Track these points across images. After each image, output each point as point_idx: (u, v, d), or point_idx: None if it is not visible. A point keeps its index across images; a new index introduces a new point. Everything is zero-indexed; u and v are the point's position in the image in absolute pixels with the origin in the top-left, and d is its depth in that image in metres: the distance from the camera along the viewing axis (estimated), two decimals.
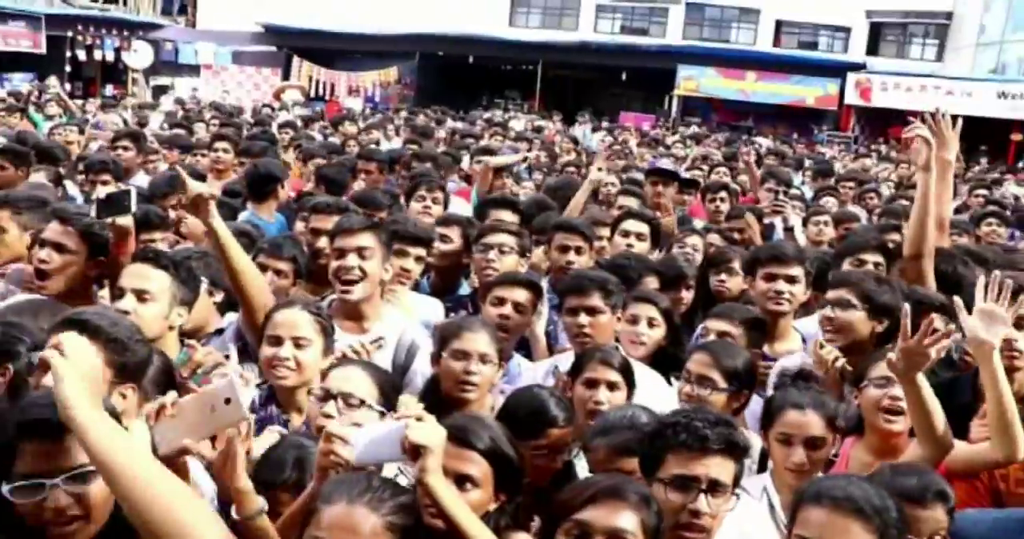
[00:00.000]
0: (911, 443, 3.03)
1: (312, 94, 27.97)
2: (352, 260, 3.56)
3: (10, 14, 24.82)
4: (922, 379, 2.82)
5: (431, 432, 2.05)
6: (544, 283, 4.37)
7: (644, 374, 3.51)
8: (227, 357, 3.19)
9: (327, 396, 2.74)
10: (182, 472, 2.06)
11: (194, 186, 3.27)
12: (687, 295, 4.68)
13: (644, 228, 5.14)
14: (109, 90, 28.50)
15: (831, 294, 3.78)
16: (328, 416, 2.66)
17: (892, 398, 3.05)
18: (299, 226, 5.09)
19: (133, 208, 3.21)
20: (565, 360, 3.62)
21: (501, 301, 3.86)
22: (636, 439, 2.63)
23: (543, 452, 2.85)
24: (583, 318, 3.68)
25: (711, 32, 32.87)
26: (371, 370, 2.90)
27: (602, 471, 2.68)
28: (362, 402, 2.72)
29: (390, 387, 2.88)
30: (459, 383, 3.14)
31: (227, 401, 2.09)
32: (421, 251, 4.28)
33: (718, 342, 3.65)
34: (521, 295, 3.87)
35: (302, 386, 3.05)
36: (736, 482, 2.42)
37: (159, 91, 28.37)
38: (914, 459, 2.89)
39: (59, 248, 3.49)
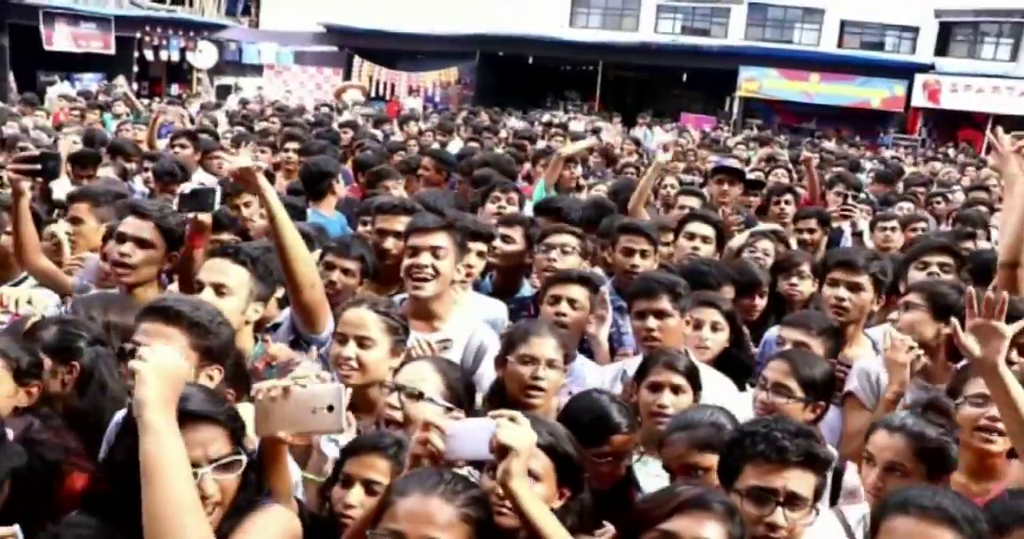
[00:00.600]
0: (1013, 466, 2.90)
1: (372, 94, 28.16)
2: (425, 258, 3.59)
3: (82, 16, 25.36)
4: (1006, 370, 2.67)
5: (521, 434, 2.05)
6: (607, 285, 4.33)
7: (712, 378, 3.47)
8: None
9: (393, 389, 2.79)
10: (279, 456, 2.13)
11: (239, 159, 3.28)
12: (761, 302, 4.60)
13: (710, 231, 5.06)
14: (174, 89, 29.00)
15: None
16: (393, 407, 2.72)
17: (990, 418, 2.90)
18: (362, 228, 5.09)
19: (216, 206, 3.22)
20: (633, 365, 3.57)
21: (556, 299, 3.87)
22: (716, 435, 2.61)
23: (606, 458, 2.83)
24: (651, 321, 3.65)
25: (773, 32, 32.42)
26: (441, 366, 2.92)
27: (678, 466, 2.67)
28: (423, 394, 2.75)
29: (459, 384, 2.90)
30: (526, 388, 3.13)
31: (330, 408, 2.11)
32: (482, 246, 4.30)
33: (796, 351, 3.57)
34: (576, 292, 3.87)
35: (368, 386, 3.06)
36: (817, 496, 2.34)
37: (223, 91, 28.79)
38: None
39: (140, 242, 3.53)
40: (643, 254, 4.49)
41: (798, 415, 3.11)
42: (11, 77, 22.73)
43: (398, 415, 2.79)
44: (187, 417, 2.00)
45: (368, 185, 6.70)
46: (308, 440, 2.65)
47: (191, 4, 29.85)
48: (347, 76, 29.58)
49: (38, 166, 3.44)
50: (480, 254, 4.28)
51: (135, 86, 26.65)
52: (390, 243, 4.17)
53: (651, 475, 2.97)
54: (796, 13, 32.19)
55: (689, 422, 2.76)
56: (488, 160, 7.09)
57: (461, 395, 2.88)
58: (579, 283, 3.91)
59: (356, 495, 2.39)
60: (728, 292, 4.33)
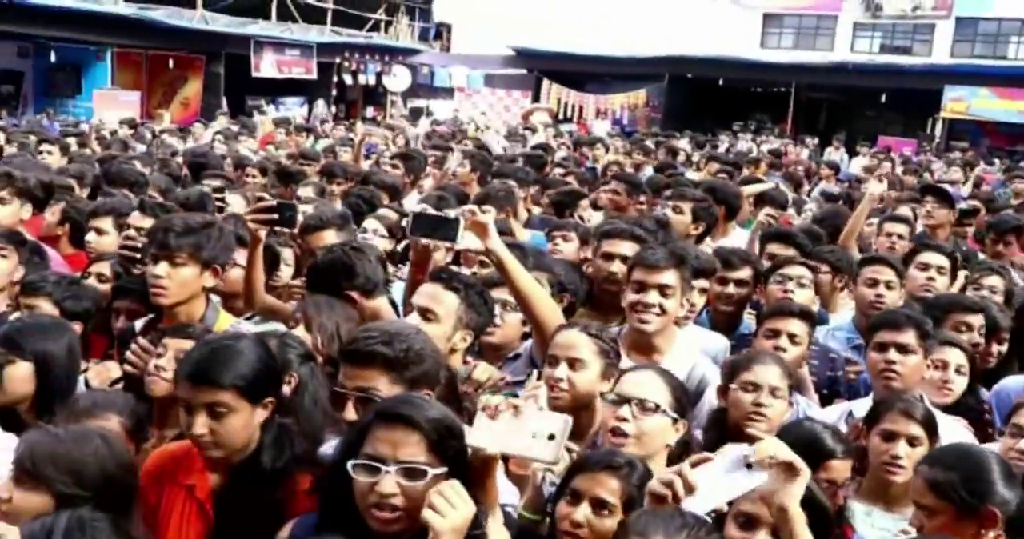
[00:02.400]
0: None
1: (560, 116, 28.36)
2: (653, 297, 3.51)
3: (287, 44, 26.73)
4: None
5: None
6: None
7: (947, 424, 3.23)
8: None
9: (621, 400, 2.74)
10: (488, 473, 2.09)
11: (484, 216, 3.21)
12: (999, 349, 4.23)
13: (944, 261, 4.79)
14: (369, 112, 30.15)
15: None
16: (623, 419, 2.69)
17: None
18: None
19: (459, 239, 3.15)
20: (860, 407, 3.41)
21: (775, 333, 3.72)
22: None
23: (822, 485, 2.69)
24: (893, 355, 3.46)
25: (984, 48, 30.49)
26: (665, 376, 2.86)
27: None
28: (657, 407, 2.72)
29: (683, 394, 2.85)
30: (748, 416, 3.06)
31: (550, 437, 2.03)
32: (704, 283, 4.18)
33: None
34: (796, 326, 3.72)
35: (578, 409, 2.98)
36: None
37: (415, 113, 29.69)
38: None
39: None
40: (888, 285, 4.32)
41: None
42: (224, 102, 24.18)
43: (629, 427, 2.72)
44: (387, 417, 2.03)
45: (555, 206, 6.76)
46: (527, 472, 2.57)
47: (387, 30, 30.94)
48: (536, 98, 29.94)
49: (275, 215, 3.49)
50: (703, 291, 4.16)
51: (333, 109, 27.89)
52: (616, 267, 4.11)
53: (875, 528, 2.85)
54: (1012, 26, 30.09)
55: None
56: (715, 187, 6.86)
57: (686, 407, 2.85)
58: (800, 318, 3.77)
59: (584, 512, 2.34)
60: None
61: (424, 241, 3.26)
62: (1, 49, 22.21)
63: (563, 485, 2.44)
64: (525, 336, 3.75)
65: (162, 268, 3.22)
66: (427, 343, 2.64)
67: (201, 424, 2.35)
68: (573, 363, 2.99)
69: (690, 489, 2.07)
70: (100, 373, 3.27)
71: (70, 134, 12.11)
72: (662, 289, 3.51)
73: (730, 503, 2.21)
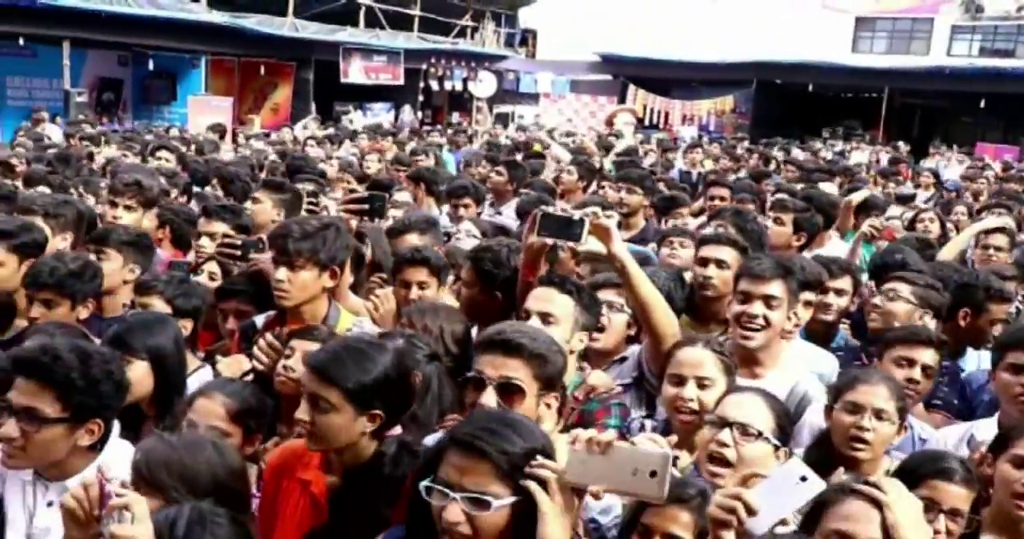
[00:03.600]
0: None
1: (647, 122, 28.14)
2: (758, 308, 3.41)
3: (375, 50, 27.07)
4: None
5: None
6: None
7: None
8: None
9: (722, 423, 2.65)
10: (568, 509, 2.00)
11: (607, 221, 3.21)
12: None
13: None
14: (455, 118, 30.34)
15: None
16: (723, 445, 2.60)
17: None
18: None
19: (584, 239, 3.09)
20: (985, 428, 3.24)
21: (909, 362, 3.52)
22: None
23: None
24: None
25: None
26: (769, 400, 2.75)
27: None
28: (759, 433, 2.62)
29: (786, 420, 2.74)
30: (850, 439, 2.90)
31: (652, 474, 1.93)
32: (810, 296, 4.04)
33: None
34: (930, 357, 3.52)
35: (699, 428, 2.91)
36: None
37: (501, 119, 29.77)
38: None
39: (463, 283, 3.68)
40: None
41: None
42: (312, 108, 24.60)
43: (730, 454, 2.61)
44: (460, 444, 1.97)
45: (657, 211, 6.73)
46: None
47: (473, 36, 31.12)
48: (622, 103, 29.75)
49: (366, 206, 3.69)
50: (808, 304, 4.00)
51: (419, 114, 28.14)
52: (711, 271, 4.01)
53: None
54: None
55: None
56: (812, 196, 6.66)
57: (789, 434, 2.75)
58: (935, 348, 3.57)
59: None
60: None
61: (550, 241, 3.20)
62: (102, 58, 22.96)
63: (632, 520, 2.34)
64: (629, 339, 3.73)
65: (283, 273, 3.33)
66: (560, 345, 2.69)
67: (304, 411, 2.42)
68: (702, 382, 2.94)
69: (752, 511, 2.01)
70: (231, 365, 3.36)
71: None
72: (768, 300, 3.42)
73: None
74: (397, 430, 2.57)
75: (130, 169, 5.98)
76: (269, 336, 3.27)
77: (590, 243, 3.07)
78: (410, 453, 2.49)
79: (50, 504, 2.51)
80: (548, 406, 2.59)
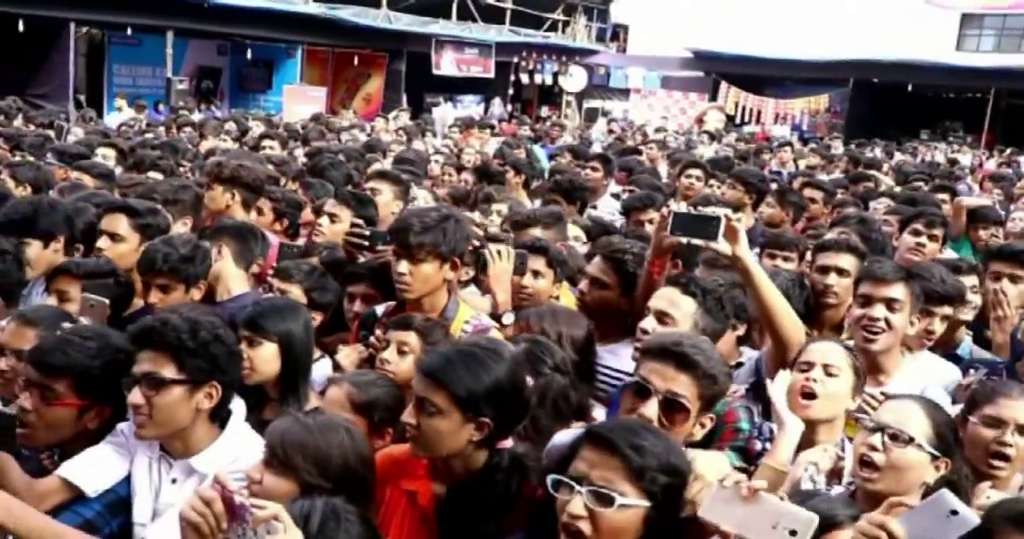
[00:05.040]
0: None
1: (737, 120, 27.71)
2: (879, 311, 3.34)
3: (467, 42, 27.24)
4: None
5: None
6: None
7: None
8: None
9: (876, 428, 2.56)
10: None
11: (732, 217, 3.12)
12: None
13: None
14: (544, 111, 30.30)
15: None
16: (873, 449, 2.52)
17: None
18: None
19: (719, 238, 3.01)
20: None
21: None
22: None
23: None
24: None
25: None
26: (930, 408, 2.63)
27: None
28: (911, 439, 2.52)
29: (947, 429, 2.61)
30: (988, 454, 2.76)
31: (792, 533, 1.88)
32: (947, 310, 3.81)
33: None
34: None
35: (826, 422, 2.87)
36: None
37: (590, 113, 29.63)
38: None
39: (596, 283, 3.61)
40: None
41: None
42: (404, 99, 24.85)
43: (878, 458, 2.52)
44: (594, 437, 1.97)
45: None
46: None
47: (564, 30, 31.02)
48: (713, 101, 29.36)
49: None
50: (945, 318, 3.79)
51: (508, 108, 28.18)
52: (831, 279, 3.95)
53: None
54: None
55: None
56: (915, 199, 6.43)
57: (951, 443, 2.59)
58: None
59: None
60: None
61: (683, 240, 3.14)
62: (202, 47, 23.57)
63: None
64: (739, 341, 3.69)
65: (404, 266, 3.30)
66: (725, 363, 2.64)
67: (410, 414, 2.36)
68: (828, 369, 2.88)
69: None
70: (349, 355, 3.36)
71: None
72: (889, 303, 3.34)
73: None
74: (509, 443, 2.49)
75: (236, 156, 6.05)
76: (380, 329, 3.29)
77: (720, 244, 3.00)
78: (521, 466, 2.41)
79: (174, 481, 2.56)
80: (702, 426, 2.56)
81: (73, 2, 18.14)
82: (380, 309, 3.55)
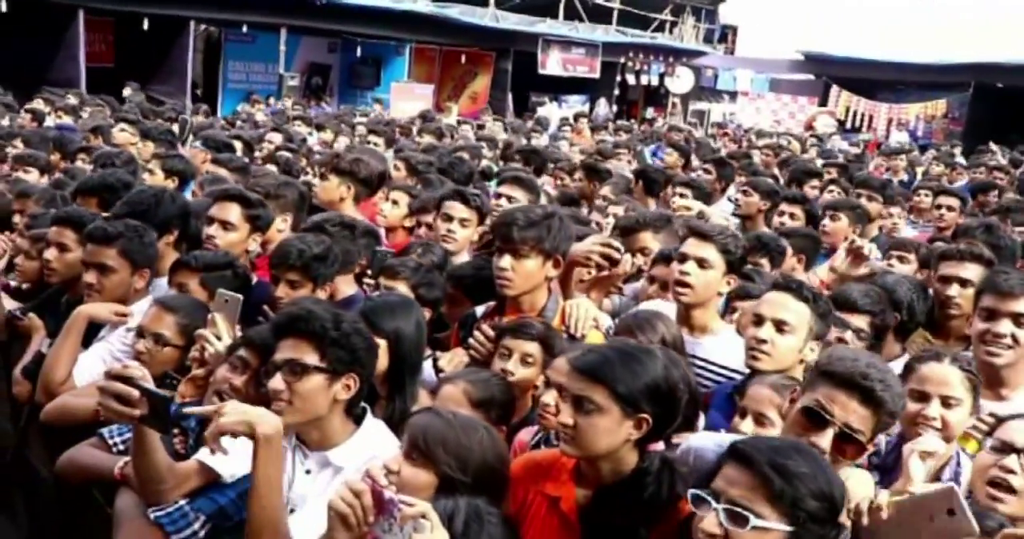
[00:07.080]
0: None
1: (848, 125, 26.98)
2: (1005, 327, 3.23)
3: (573, 42, 27.21)
4: None
5: None
6: None
7: None
8: None
9: (1006, 449, 2.51)
10: None
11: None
12: None
13: None
14: (649, 113, 30.05)
15: None
16: (1008, 471, 2.46)
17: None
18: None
19: None
20: None
21: None
22: None
23: None
24: None
25: None
26: None
27: None
28: None
29: None
30: None
31: (950, 512, 1.85)
32: None
33: None
34: None
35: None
36: None
37: (697, 116, 29.26)
38: None
39: (700, 262, 3.56)
40: None
41: None
42: (509, 98, 24.97)
43: (1016, 481, 2.46)
44: (736, 455, 1.93)
45: None
46: None
47: (672, 31, 30.70)
48: (823, 105, 28.65)
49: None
50: None
51: (614, 108, 28.03)
52: (954, 291, 3.84)
53: None
54: None
55: None
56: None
57: None
58: None
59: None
60: None
61: None
62: (314, 44, 24.10)
63: None
64: None
65: (506, 261, 3.28)
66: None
67: (566, 414, 2.29)
68: (947, 401, 2.78)
69: None
70: (451, 359, 3.36)
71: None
72: (1016, 318, 3.24)
73: None
74: (660, 446, 2.44)
75: (360, 151, 6.14)
76: (485, 327, 3.27)
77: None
78: (671, 470, 2.34)
79: (308, 472, 2.59)
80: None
81: (193, 1, 18.78)
82: (480, 310, 3.54)
